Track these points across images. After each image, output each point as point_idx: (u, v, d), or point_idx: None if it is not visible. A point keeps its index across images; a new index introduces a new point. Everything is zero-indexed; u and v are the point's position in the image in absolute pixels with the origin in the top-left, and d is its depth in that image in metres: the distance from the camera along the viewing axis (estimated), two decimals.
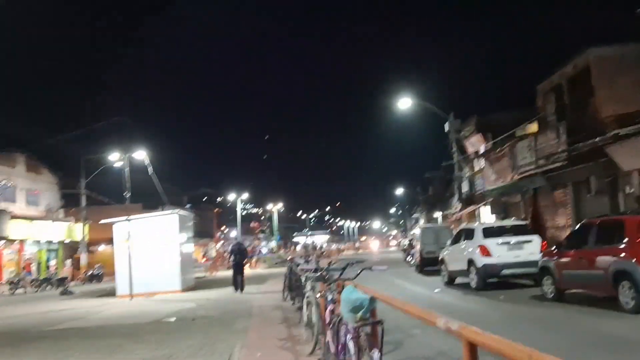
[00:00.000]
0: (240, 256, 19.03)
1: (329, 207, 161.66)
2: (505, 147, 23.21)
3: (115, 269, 19.54)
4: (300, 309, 9.35)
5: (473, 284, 14.19)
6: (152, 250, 19.07)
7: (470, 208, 31.04)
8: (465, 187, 32.73)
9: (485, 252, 13.92)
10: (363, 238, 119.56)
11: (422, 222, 73.35)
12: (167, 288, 18.62)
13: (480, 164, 31.12)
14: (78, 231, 40.07)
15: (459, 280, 15.93)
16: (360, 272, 5.55)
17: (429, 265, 21.85)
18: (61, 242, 40.73)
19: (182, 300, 15.94)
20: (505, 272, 13.83)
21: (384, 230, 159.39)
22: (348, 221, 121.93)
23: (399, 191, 76.11)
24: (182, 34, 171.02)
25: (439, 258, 17.34)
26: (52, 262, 37.38)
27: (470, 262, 14.36)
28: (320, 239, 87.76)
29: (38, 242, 37.95)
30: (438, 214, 53.26)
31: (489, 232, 14.57)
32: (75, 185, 39.66)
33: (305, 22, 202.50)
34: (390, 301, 3.81)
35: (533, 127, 23.26)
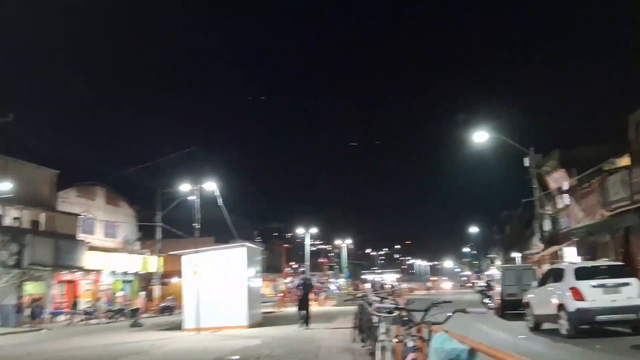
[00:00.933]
0: (305, 290, 19.28)
1: (399, 246, 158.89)
2: (593, 182, 21.48)
3: (182, 302, 19.35)
4: (372, 354, 8.50)
5: (563, 330, 12.75)
6: (220, 284, 18.73)
7: (553, 248, 28.95)
8: (547, 226, 30.68)
9: (577, 295, 12.50)
10: (434, 278, 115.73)
11: (498, 262, 70.09)
12: (233, 323, 18.15)
13: (564, 201, 29.14)
14: (152, 263, 40.89)
15: (545, 325, 14.46)
16: (451, 315, 4.67)
17: (511, 308, 20.32)
18: (136, 274, 41.65)
19: (247, 336, 15.37)
20: (601, 318, 12.34)
21: (456, 270, 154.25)
22: (419, 260, 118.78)
23: (474, 230, 73.17)
24: (254, 65, 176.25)
25: (523, 301, 15.88)
26: (120, 293, 38.00)
27: (560, 307, 12.94)
28: (390, 277, 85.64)
29: (114, 272, 38.94)
30: (516, 255, 50.57)
31: (582, 272, 13.14)
32: (151, 218, 40.69)
33: (374, 47, 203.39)
34: (497, 354, 2.98)
35: (624, 161, 21.48)
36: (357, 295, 13.75)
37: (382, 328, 6.53)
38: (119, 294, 38.19)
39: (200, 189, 18.84)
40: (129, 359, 11.47)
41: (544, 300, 14.10)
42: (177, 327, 19.14)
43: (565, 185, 27.48)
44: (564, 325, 12.74)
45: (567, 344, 11.76)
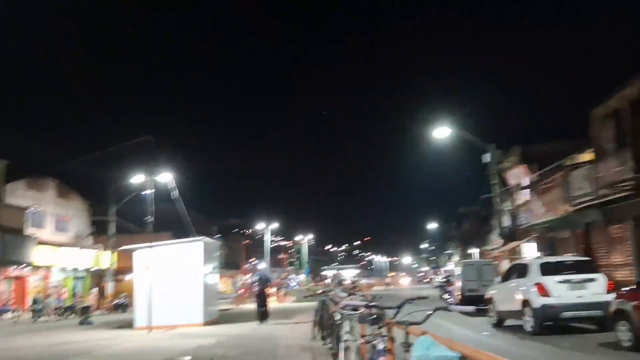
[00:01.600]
0: (262, 287, 19.62)
1: (358, 242, 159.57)
2: (556, 177, 21.51)
3: (134, 299, 18.43)
4: (335, 355, 7.95)
5: (528, 327, 12.50)
6: (174, 280, 17.87)
7: (513, 244, 29.08)
8: (506, 222, 30.86)
9: (543, 291, 12.26)
10: (392, 273, 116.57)
11: (456, 258, 70.91)
12: (188, 321, 17.32)
13: (523, 196, 29.32)
14: (105, 259, 39.41)
15: (509, 322, 14.23)
16: (431, 314, 4.10)
17: (471, 304, 20.16)
18: (88, 270, 40.07)
19: (202, 335, 14.61)
20: (566, 314, 12.13)
21: (414, 266, 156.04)
22: (378, 256, 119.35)
23: (432, 226, 73.69)
24: (214, 53, 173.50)
25: (486, 297, 15.64)
26: (63, 290, 36.44)
27: (525, 303, 12.70)
28: (350, 273, 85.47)
29: (65, 269, 37.34)
30: (474, 251, 51.17)
31: (547, 268, 12.91)
32: (105, 213, 39.18)
33: (333, 40, 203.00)
34: None
35: (585, 156, 21.58)
36: (317, 292, 13.17)
37: (345, 326, 5.95)
38: (62, 289, 36.48)
39: (154, 181, 17.84)
40: (75, 359, 10.60)
41: (508, 296, 13.86)
42: (129, 325, 18.19)
43: (526, 181, 27.61)
44: (528, 322, 12.49)
45: (532, 341, 11.48)
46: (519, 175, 28.52)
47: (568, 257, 15.17)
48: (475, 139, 28.28)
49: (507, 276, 14.72)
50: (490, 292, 15.34)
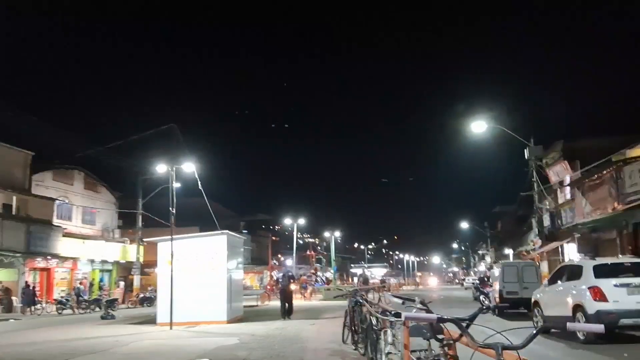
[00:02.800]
0: (287, 283, 19.91)
1: (386, 241, 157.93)
2: (604, 174, 20.07)
3: (157, 294, 17.76)
4: None
5: (581, 335, 11.28)
6: (197, 275, 17.13)
7: (553, 245, 27.58)
8: (546, 222, 29.33)
9: (598, 295, 11.03)
10: (419, 273, 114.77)
11: (488, 259, 68.98)
12: (211, 318, 16.57)
13: (565, 194, 27.79)
14: (133, 252, 39.15)
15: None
16: (535, 335, 2.95)
17: (511, 307, 18.94)
18: (115, 263, 39.89)
19: (225, 333, 13.78)
20: (625, 322, 10.87)
21: (443, 267, 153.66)
22: (407, 255, 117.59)
23: (464, 226, 71.72)
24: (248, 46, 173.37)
25: (533, 300, 14.41)
26: (84, 281, 36.13)
27: (577, 308, 11.49)
28: (379, 271, 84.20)
29: (92, 261, 37.17)
30: (509, 251, 49.42)
31: (602, 270, 11.65)
32: (133, 206, 38.89)
33: (370, 30, 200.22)
34: None
35: (635, 152, 20.08)
36: (348, 291, 12.18)
37: (388, 336, 4.96)
38: (88, 281, 36.27)
39: (181, 175, 17.13)
40: (86, 358, 9.86)
41: (557, 300, 12.65)
42: (152, 320, 17.51)
43: (568, 178, 26.10)
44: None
45: (586, 350, 10.30)
46: (561, 172, 26.97)
47: (625, 259, 13.82)
48: (512, 134, 26.88)
49: (555, 278, 13.49)
50: (536, 296, 14.12)
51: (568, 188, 26.58)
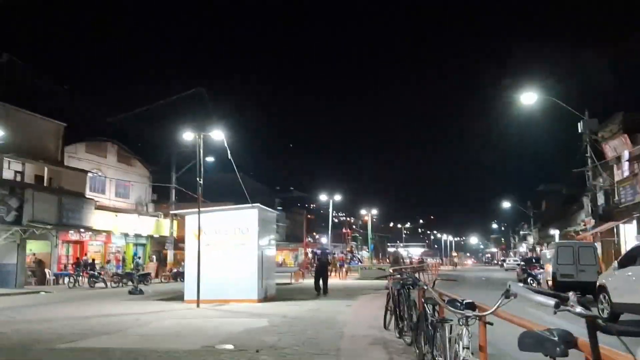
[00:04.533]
0: (323, 261, 20.18)
1: (422, 221, 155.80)
2: None
3: (185, 270, 16.84)
4: (423, 358, 5.69)
5: None
6: (227, 251, 16.11)
7: (608, 225, 25.61)
8: (600, 200, 27.31)
9: None
10: (455, 254, 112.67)
11: (530, 240, 66.54)
12: (241, 296, 15.53)
13: (623, 171, 25.69)
14: (166, 226, 38.73)
15: (625, 316, 11.47)
16: None
17: (565, 291, 17.33)
18: (149, 237, 39.56)
19: (254, 314, 12.69)
20: None
21: (481, 247, 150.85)
22: (444, 235, 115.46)
23: (505, 205, 69.14)
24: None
25: (597, 285, 12.84)
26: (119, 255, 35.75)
27: None
28: (415, 251, 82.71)
29: (126, 235, 36.86)
30: (554, 232, 47.19)
31: None
32: (167, 180, 38.37)
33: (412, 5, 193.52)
34: None
35: None
36: (393, 272, 10.84)
37: (464, 337, 3.62)
38: (121, 255, 35.94)
39: (206, 139, 15.89)
40: (98, 339, 8.87)
41: (629, 286, 11.07)
42: (181, 297, 16.55)
43: (627, 153, 24.03)
44: None
45: None
46: (619, 147, 24.91)
47: None
48: (567, 106, 24.85)
49: (626, 261, 11.86)
50: (602, 280, 12.54)
51: (627, 164, 24.50)
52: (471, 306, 3.68)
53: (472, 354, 3.64)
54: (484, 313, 3.54)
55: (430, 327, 5.39)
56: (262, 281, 16.40)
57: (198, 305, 14.40)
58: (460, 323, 3.60)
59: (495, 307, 3.08)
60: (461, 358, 3.45)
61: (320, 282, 19.56)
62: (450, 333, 4.19)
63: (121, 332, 9.61)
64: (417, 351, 6.36)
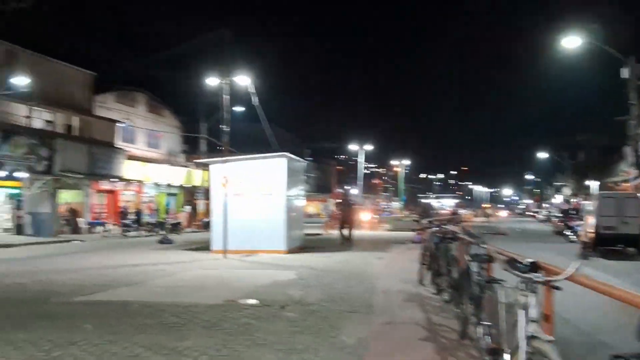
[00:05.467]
0: (347, 209, 20.23)
1: (454, 172, 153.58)
2: None
3: (211, 220, 16.51)
4: (466, 321, 5.09)
5: None
6: (254, 200, 15.66)
7: None
8: None
9: None
10: (487, 205, 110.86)
11: (567, 191, 64.75)
12: (269, 246, 15.15)
13: None
14: (197, 177, 38.69)
15: None
16: None
17: (608, 244, 16.59)
18: (181, 187, 39.64)
19: (281, 265, 12.29)
20: None
21: (513, 199, 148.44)
22: (478, 186, 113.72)
23: (540, 156, 66.96)
24: None
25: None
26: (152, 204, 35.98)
27: None
28: (448, 202, 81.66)
29: (158, 184, 36.96)
30: (592, 183, 45.59)
31: None
32: (197, 131, 38.10)
33: None
34: None
35: None
36: (427, 224, 10.15)
37: (531, 308, 2.88)
38: (154, 204, 36.15)
39: (231, 83, 15.20)
40: (119, 291, 8.56)
41: None
42: (208, 247, 16.29)
43: None
44: None
45: None
46: None
47: None
48: (611, 50, 23.23)
49: None
50: None
51: None
52: (535, 267, 3.00)
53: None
54: (557, 278, 2.86)
55: (476, 287, 4.76)
56: (290, 232, 15.99)
57: (225, 256, 14.09)
58: (525, 288, 2.93)
59: (573, 269, 2.40)
60: (525, 334, 2.79)
61: (345, 230, 19.66)
62: (506, 299, 3.55)
63: (143, 284, 9.29)
64: (459, 311, 5.76)
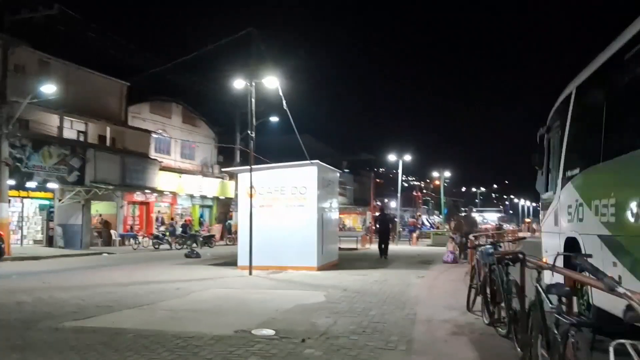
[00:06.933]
0: (385, 224, 20.38)
1: (495, 185, 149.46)
2: None
3: (238, 233, 15.44)
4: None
5: None
6: (284, 213, 14.54)
7: None
8: None
9: None
10: (528, 220, 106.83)
11: None
12: (299, 263, 13.98)
13: None
14: (232, 188, 37.97)
15: None
16: None
17: None
18: (215, 199, 38.98)
19: (310, 285, 11.05)
20: None
21: None
22: (521, 200, 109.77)
23: None
24: None
25: None
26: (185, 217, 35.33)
27: None
28: (491, 216, 78.73)
29: (191, 196, 36.38)
30: None
31: None
32: (233, 142, 37.43)
33: None
34: None
35: None
36: (477, 243, 8.76)
37: None
38: (187, 217, 35.57)
39: (262, 89, 14.13)
40: (119, 315, 7.50)
41: None
42: (236, 262, 15.19)
43: None
44: None
45: None
46: None
47: None
48: None
49: None
50: None
51: None
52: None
53: None
54: None
55: (553, 329, 3.44)
56: (323, 247, 14.77)
57: (250, 273, 12.96)
58: None
59: None
60: None
61: (383, 245, 19.65)
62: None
63: (150, 306, 8.21)
64: (523, 353, 4.42)
